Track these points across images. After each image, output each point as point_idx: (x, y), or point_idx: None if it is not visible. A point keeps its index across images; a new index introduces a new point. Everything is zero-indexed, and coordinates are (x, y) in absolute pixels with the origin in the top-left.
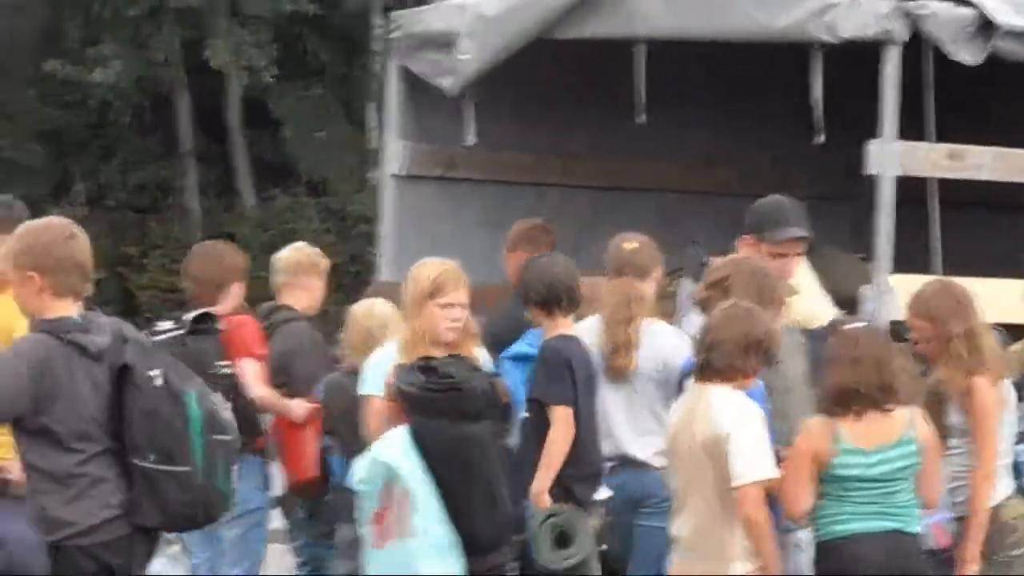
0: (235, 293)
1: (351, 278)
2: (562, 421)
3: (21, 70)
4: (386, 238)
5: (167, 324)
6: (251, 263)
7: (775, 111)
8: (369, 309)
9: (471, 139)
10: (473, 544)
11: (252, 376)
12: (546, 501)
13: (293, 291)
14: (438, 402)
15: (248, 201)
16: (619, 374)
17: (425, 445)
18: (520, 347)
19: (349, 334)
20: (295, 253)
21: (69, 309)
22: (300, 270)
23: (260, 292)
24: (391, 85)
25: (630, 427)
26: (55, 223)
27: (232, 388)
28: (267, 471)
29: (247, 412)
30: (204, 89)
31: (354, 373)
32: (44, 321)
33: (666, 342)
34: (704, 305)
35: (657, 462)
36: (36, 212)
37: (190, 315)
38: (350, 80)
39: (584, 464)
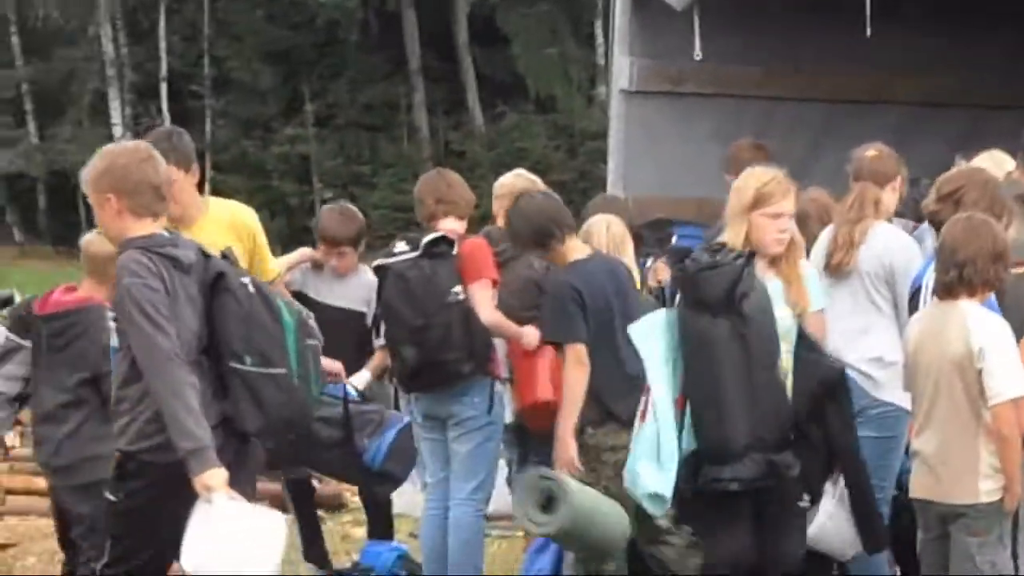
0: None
1: (579, 195)
2: (573, 360)
3: None
4: (614, 153)
5: (403, 246)
6: (480, 181)
7: (1006, 15)
8: (606, 226)
9: (698, 54)
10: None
11: (484, 300)
12: (571, 446)
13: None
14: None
15: (476, 119)
16: (837, 271)
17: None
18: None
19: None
20: (516, 180)
21: (149, 228)
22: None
23: (490, 210)
24: (619, 1)
25: (843, 328)
26: (132, 146)
27: (465, 312)
28: (497, 394)
29: (480, 336)
30: (431, 6)
31: None
32: (135, 239)
33: (892, 244)
34: (934, 218)
35: (867, 368)
36: (268, 132)
37: (426, 238)
38: None
39: (623, 382)
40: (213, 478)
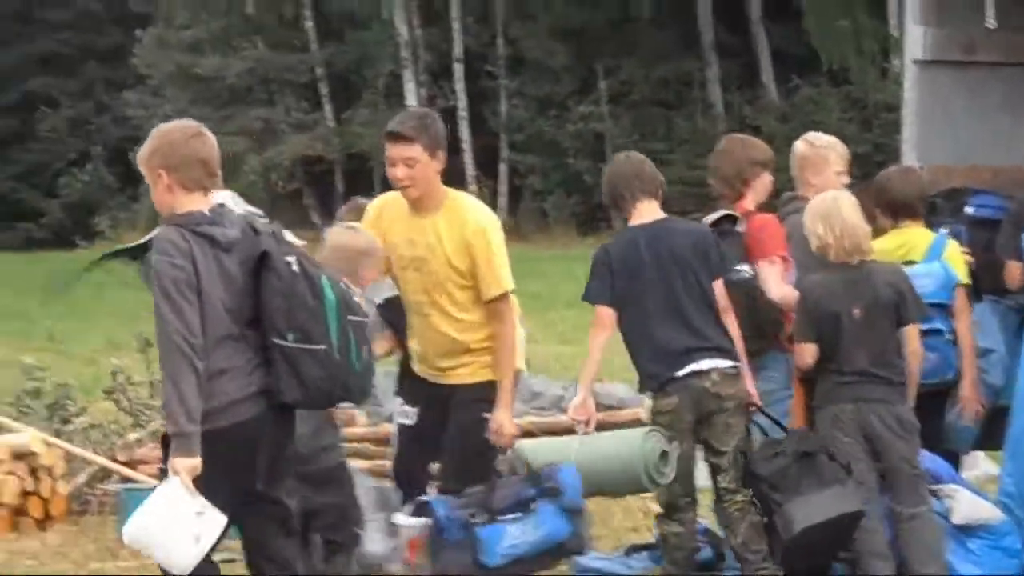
0: (760, 185)
1: (874, 167)
2: (595, 321)
3: None
4: (908, 124)
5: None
6: (776, 155)
7: None
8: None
9: (991, 22)
10: None
11: (773, 277)
12: (584, 402)
13: (804, 185)
14: None
15: (770, 93)
16: None
17: None
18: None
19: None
20: (804, 147)
21: (198, 203)
22: (807, 164)
23: (788, 185)
24: None
25: None
26: (181, 123)
27: (751, 289)
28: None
29: (768, 311)
30: None
31: None
32: (175, 216)
33: None
34: None
35: None
36: (562, 111)
37: (710, 217)
38: None
39: (656, 350)
40: (181, 464)
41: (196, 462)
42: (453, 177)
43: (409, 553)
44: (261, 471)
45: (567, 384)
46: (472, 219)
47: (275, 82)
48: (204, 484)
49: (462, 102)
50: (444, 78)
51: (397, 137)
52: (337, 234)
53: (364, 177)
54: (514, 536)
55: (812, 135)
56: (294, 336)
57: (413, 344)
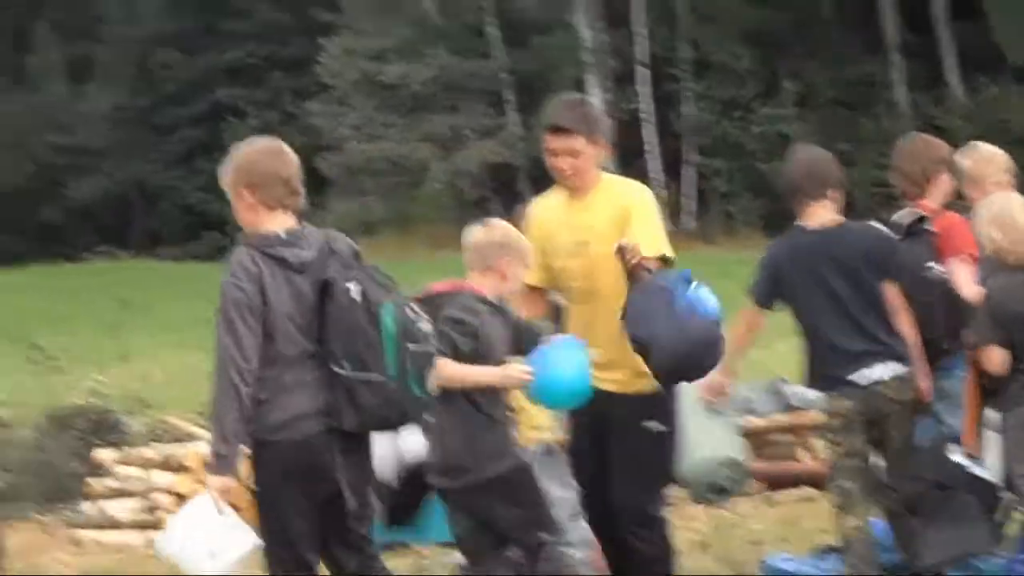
0: (943, 184)
1: None
2: (740, 316)
3: None
4: None
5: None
6: None
7: None
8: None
9: None
10: None
11: (964, 276)
12: (717, 382)
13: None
14: None
15: (955, 93)
16: None
17: None
18: None
19: None
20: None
21: (280, 222)
22: (966, 178)
23: None
24: None
25: None
26: (262, 142)
27: (947, 287)
28: None
29: (961, 312)
30: None
31: None
32: (249, 237)
33: None
34: None
35: None
36: (748, 113)
37: (903, 218)
38: None
39: (827, 352)
40: (212, 481)
41: (227, 482)
42: (639, 179)
43: (597, 561)
44: (345, 491)
45: (755, 386)
46: (625, 189)
47: (460, 89)
48: (278, 497)
49: (646, 106)
50: (628, 82)
51: (558, 130)
52: (472, 232)
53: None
54: None
55: (972, 147)
56: (351, 365)
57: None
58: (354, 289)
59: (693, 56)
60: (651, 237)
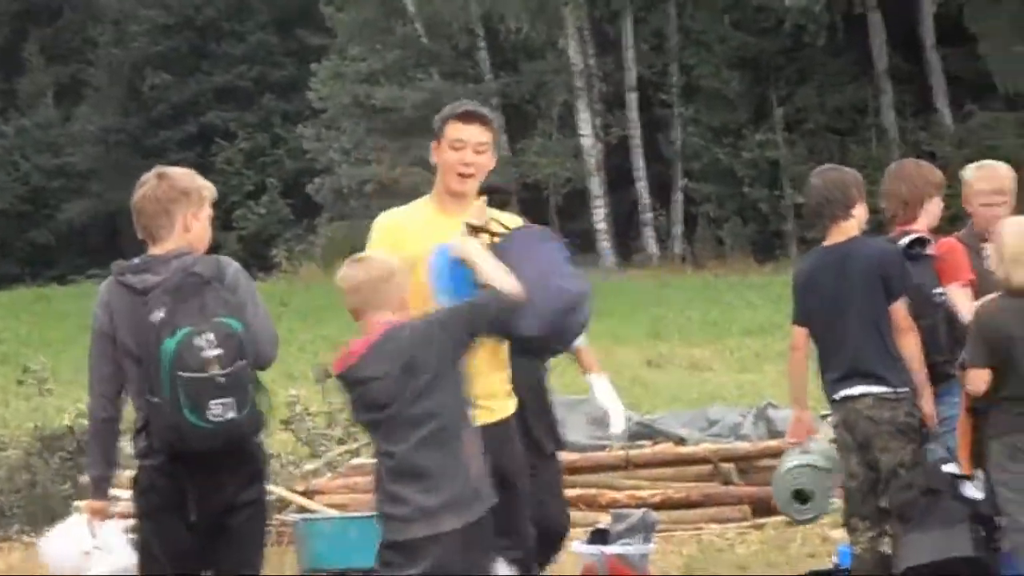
0: (933, 209)
1: None
2: (792, 342)
3: None
4: None
5: None
6: (951, 181)
7: None
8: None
9: None
10: None
11: (964, 300)
12: (799, 431)
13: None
14: None
15: (944, 119)
16: None
17: None
18: None
19: None
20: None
21: (154, 251)
22: (1004, 186)
23: (964, 210)
24: None
25: None
26: (145, 176)
27: (948, 313)
28: None
29: (961, 337)
30: (896, 7)
31: None
32: (113, 264)
33: None
34: None
35: None
36: (738, 139)
37: (903, 241)
38: None
39: (828, 370)
40: (86, 503)
41: (98, 504)
42: (628, 206)
43: None
44: (192, 511)
45: (744, 411)
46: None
47: None
48: (143, 526)
49: (636, 131)
50: (618, 107)
51: (474, 118)
52: (348, 275)
53: (540, 206)
54: None
55: (974, 164)
56: (147, 387)
57: None
58: (156, 314)
59: (683, 81)
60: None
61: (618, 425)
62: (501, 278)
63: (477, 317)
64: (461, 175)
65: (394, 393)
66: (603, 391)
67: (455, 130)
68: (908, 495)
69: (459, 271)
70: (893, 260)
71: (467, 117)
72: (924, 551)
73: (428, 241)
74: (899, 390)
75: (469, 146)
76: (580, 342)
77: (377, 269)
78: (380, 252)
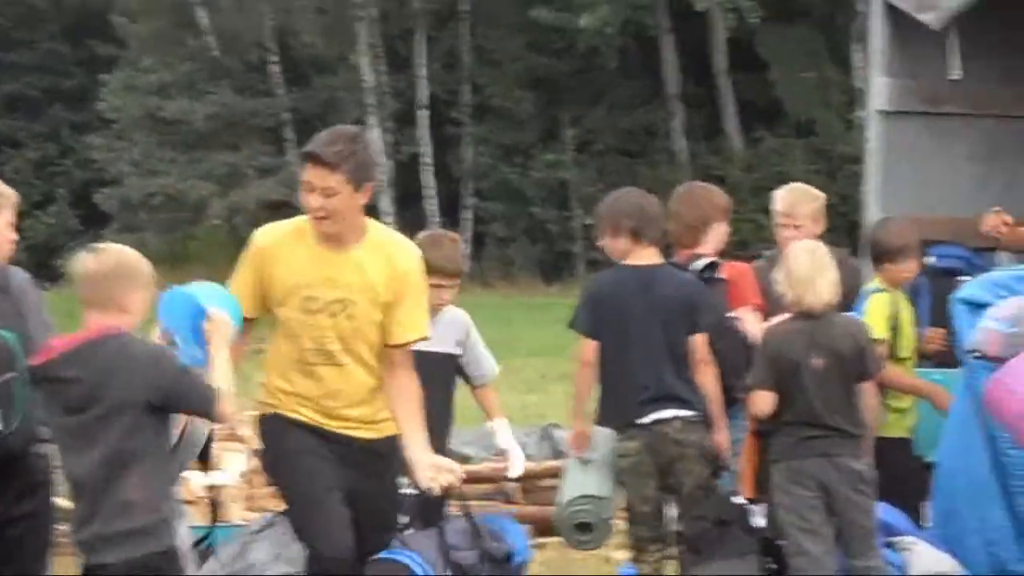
0: (720, 233)
1: (840, 219)
2: (580, 355)
3: (509, 17)
4: (873, 175)
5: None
6: (740, 206)
7: None
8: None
9: (957, 73)
10: None
11: (753, 325)
12: (579, 436)
13: (785, 230)
14: None
15: (735, 143)
16: None
17: None
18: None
19: None
20: (790, 194)
21: None
22: (793, 210)
23: (751, 235)
24: (875, 21)
25: None
26: None
27: (741, 336)
28: None
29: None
30: (689, 32)
31: None
32: None
33: None
34: None
35: None
36: (527, 159)
37: (698, 264)
38: (834, 20)
39: (620, 391)
40: None
41: None
42: (417, 223)
43: None
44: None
45: (529, 431)
46: (400, 251)
47: (241, 126)
48: None
49: (427, 148)
50: (409, 124)
51: (316, 160)
52: (81, 262)
53: None
54: None
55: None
56: None
57: (304, 391)
58: None
59: (474, 100)
60: (421, 318)
61: (517, 469)
62: (223, 383)
63: (186, 398)
64: (315, 218)
65: (85, 402)
66: (504, 435)
67: (304, 170)
68: (699, 526)
69: (199, 324)
70: (701, 295)
71: (311, 158)
72: None
73: (311, 272)
74: (702, 414)
75: (315, 189)
76: (485, 382)
77: (107, 263)
78: (122, 247)
